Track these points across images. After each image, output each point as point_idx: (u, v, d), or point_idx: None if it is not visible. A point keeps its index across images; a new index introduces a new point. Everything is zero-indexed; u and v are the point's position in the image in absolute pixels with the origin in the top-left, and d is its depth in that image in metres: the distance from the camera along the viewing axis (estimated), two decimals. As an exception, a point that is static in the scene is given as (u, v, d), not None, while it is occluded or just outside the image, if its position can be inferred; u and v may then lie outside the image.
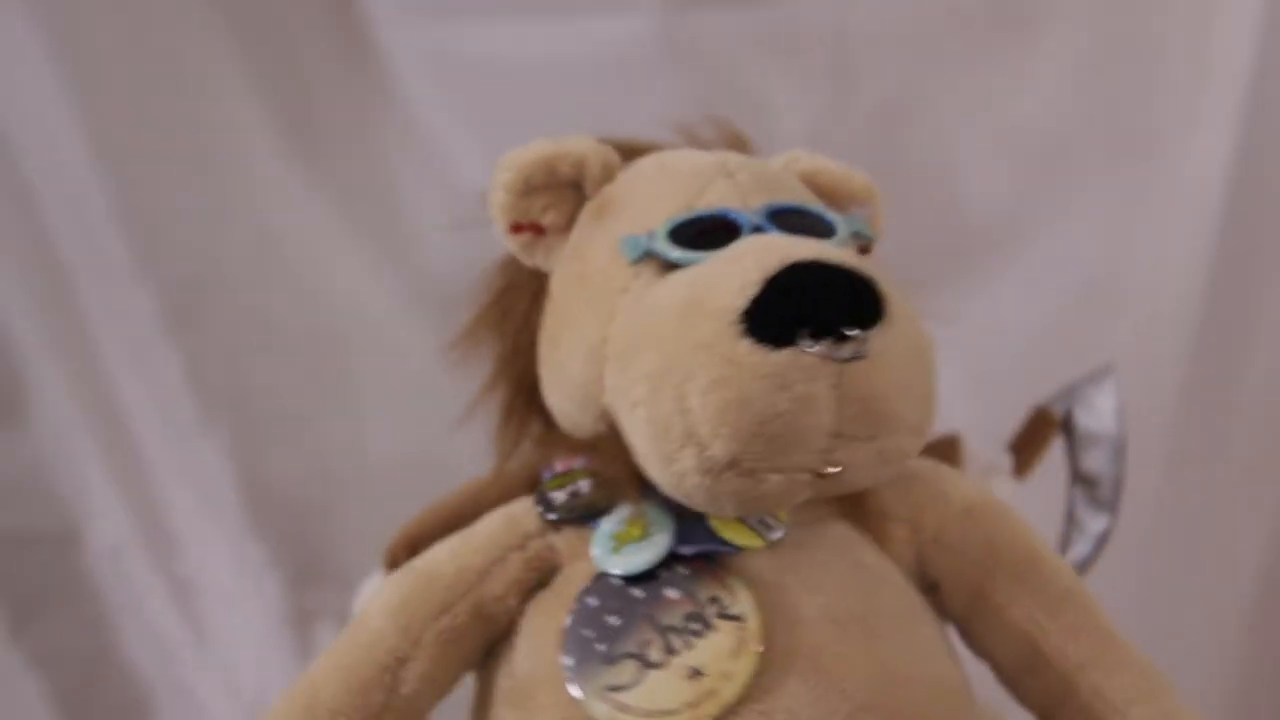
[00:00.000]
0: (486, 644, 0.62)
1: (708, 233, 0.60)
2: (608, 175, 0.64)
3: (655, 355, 0.56)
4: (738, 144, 0.70)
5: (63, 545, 1.21)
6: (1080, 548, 0.80)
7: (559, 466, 0.64)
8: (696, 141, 0.70)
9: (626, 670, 0.57)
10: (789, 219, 0.61)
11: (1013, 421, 1.14)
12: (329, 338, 1.20)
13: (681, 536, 0.60)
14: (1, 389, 1.18)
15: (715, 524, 0.60)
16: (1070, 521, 0.81)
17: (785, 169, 0.67)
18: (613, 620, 0.59)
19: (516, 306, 0.66)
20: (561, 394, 0.63)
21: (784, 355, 0.53)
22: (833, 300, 0.54)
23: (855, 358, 0.53)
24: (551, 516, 0.62)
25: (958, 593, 0.65)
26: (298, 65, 1.19)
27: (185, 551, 1.22)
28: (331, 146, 1.21)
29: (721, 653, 0.57)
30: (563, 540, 0.62)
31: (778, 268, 0.54)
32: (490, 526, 0.63)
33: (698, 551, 0.60)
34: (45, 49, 1.09)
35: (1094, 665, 0.62)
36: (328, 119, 1.20)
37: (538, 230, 0.64)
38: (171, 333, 1.14)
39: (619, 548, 0.60)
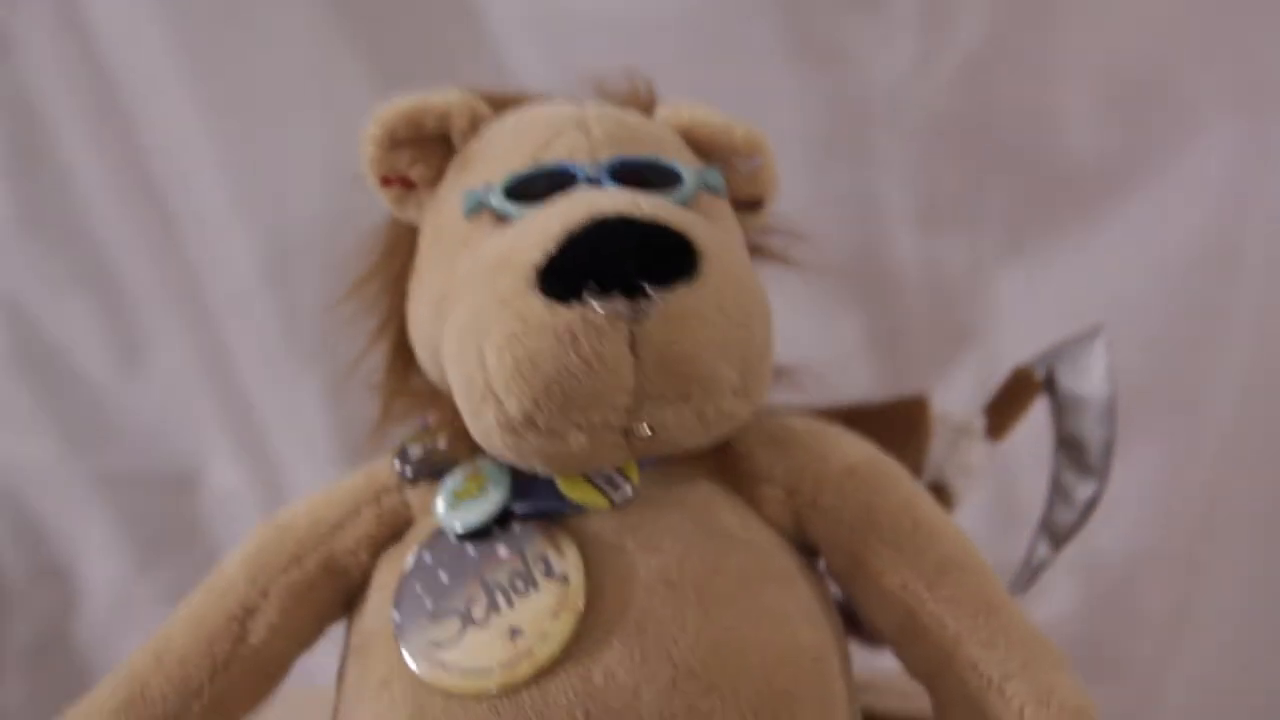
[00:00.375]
0: (342, 598, 0.62)
1: (544, 187, 0.58)
2: (474, 128, 0.64)
3: (464, 310, 0.55)
4: (640, 98, 0.68)
5: (182, 489, 1.27)
6: (1066, 515, 0.75)
7: (431, 420, 0.64)
8: (604, 94, 0.68)
9: (450, 628, 0.57)
10: (632, 173, 0.59)
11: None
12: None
13: (523, 494, 0.59)
14: (125, 338, 1.24)
15: (561, 482, 0.58)
16: (1055, 488, 0.76)
17: (662, 122, 0.64)
18: (444, 577, 0.58)
19: (397, 261, 0.65)
20: (420, 348, 0.63)
21: (573, 312, 0.52)
22: (630, 255, 0.52)
23: (639, 316, 0.52)
24: (406, 471, 0.62)
25: (836, 558, 0.62)
26: (394, 21, 1.20)
27: (290, 498, 1.26)
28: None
29: (541, 613, 0.56)
30: (416, 495, 0.62)
31: (582, 221, 0.53)
32: (352, 481, 0.63)
33: (534, 510, 0.58)
34: (154, 3, 1.13)
35: (972, 637, 0.58)
36: (424, 75, 1.21)
37: (407, 184, 0.64)
38: (270, 283, 1.18)
39: (457, 504, 0.59)
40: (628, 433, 0.54)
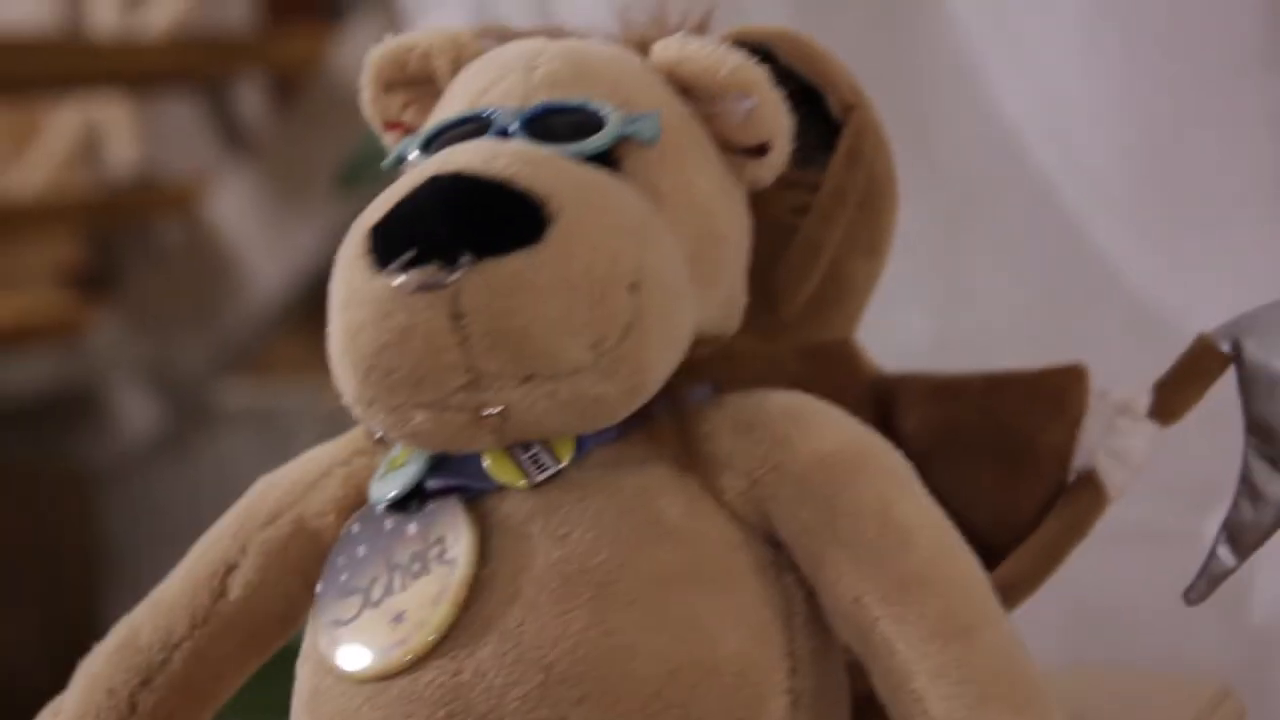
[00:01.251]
0: (318, 558, 0.61)
1: (457, 136, 0.55)
2: (457, 68, 0.60)
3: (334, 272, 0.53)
4: (656, 33, 0.61)
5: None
6: (1254, 515, 0.62)
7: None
8: (628, 28, 0.62)
9: (352, 606, 0.55)
10: (550, 120, 0.54)
11: None
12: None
13: (444, 467, 0.55)
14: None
15: (486, 457, 0.55)
16: (1242, 482, 0.63)
17: (645, 62, 0.58)
18: (361, 551, 0.56)
19: None
20: None
21: (387, 281, 0.49)
22: (457, 218, 0.49)
23: (446, 285, 0.48)
24: (377, 433, 0.60)
25: (800, 560, 0.54)
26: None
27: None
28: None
29: (424, 599, 0.53)
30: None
31: (422, 180, 0.50)
32: (339, 439, 0.62)
33: (447, 486, 0.55)
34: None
35: (921, 666, 0.51)
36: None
37: (407, 129, 0.61)
38: None
39: (385, 475, 0.57)
40: (478, 414, 0.50)
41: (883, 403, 0.67)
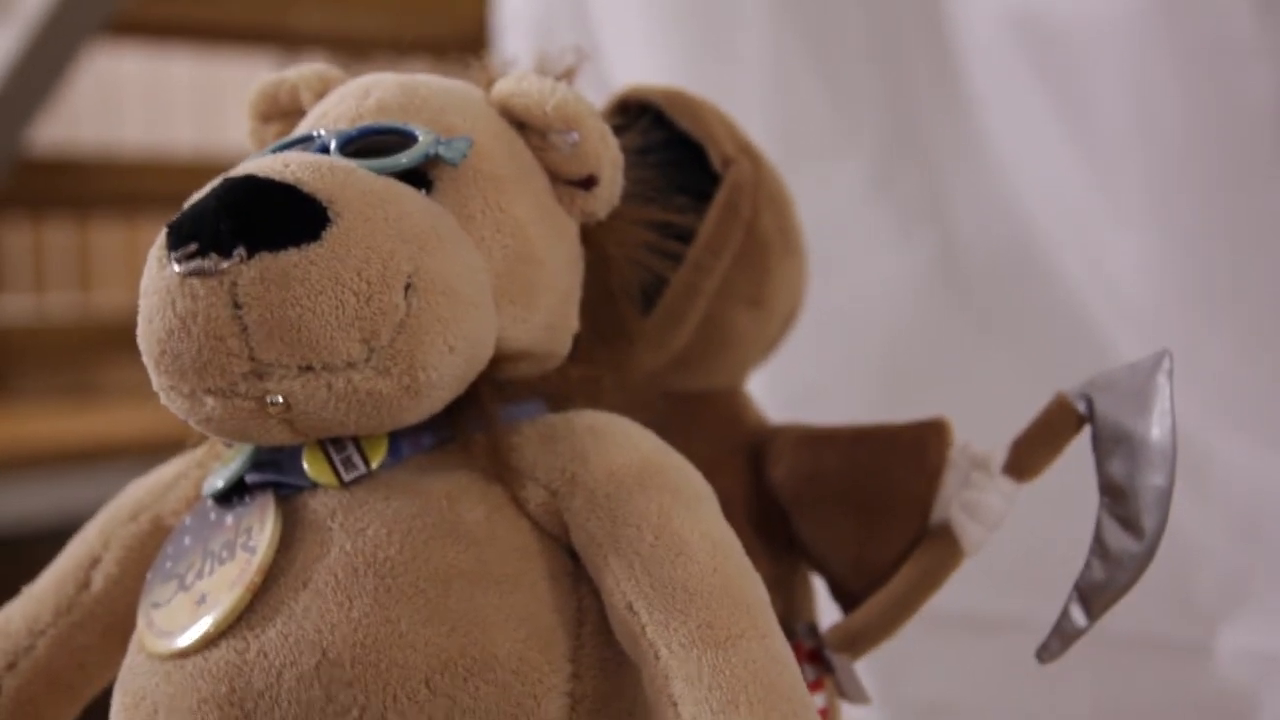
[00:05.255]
0: None
1: None
2: (320, 99, 0.63)
3: None
4: (491, 72, 0.64)
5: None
6: (1105, 575, 0.61)
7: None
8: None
9: (169, 590, 0.57)
10: (369, 140, 0.57)
11: None
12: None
13: (265, 464, 0.57)
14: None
15: (304, 455, 0.57)
16: (1094, 542, 0.62)
17: (486, 97, 0.62)
18: (186, 540, 0.59)
19: None
20: None
21: (172, 271, 0.51)
22: (238, 215, 0.51)
23: (219, 274, 0.50)
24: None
25: (589, 571, 0.56)
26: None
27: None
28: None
29: (225, 582, 0.55)
30: None
31: (219, 182, 0.53)
32: (202, 446, 0.64)
33: (265, 480, 0.57)
34: None
35: (679, 671, 0.52)
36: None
37: None
38: None
39: (218, 469, 0.59)
40: (261, 402, 0.52)
41: (759, 452, 0.68)
